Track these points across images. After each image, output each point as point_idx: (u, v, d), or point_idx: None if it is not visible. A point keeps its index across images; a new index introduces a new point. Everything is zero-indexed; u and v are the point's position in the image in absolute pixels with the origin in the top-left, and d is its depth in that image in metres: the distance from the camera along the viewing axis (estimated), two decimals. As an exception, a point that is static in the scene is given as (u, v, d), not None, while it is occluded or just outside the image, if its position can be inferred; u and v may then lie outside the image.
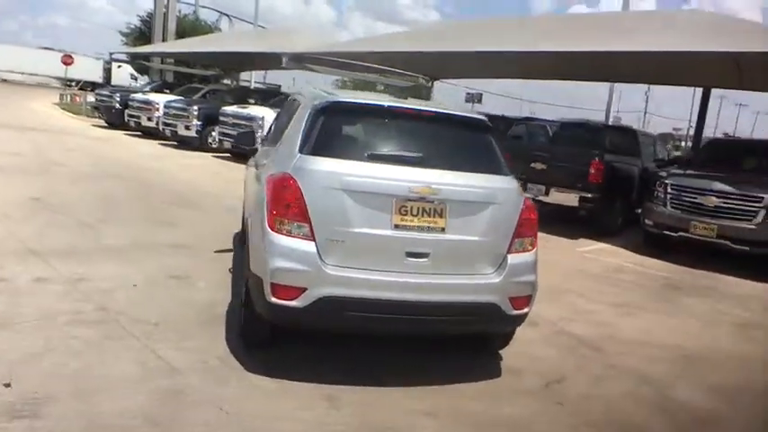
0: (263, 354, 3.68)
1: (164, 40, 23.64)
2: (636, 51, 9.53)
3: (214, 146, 15.62)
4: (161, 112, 16.67)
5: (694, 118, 15.45)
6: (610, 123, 18.80)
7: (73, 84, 40.16)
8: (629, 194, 10.00)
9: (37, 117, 20.52)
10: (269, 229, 3.32)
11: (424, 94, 17.56)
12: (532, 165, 9.61)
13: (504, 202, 3.55)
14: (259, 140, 6.45)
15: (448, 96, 39.29)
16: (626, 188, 9.93)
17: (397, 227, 3.34)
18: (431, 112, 3.77)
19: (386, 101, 3.75)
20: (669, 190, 8.42)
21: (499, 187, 3.57)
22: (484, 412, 3.37)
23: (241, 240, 6.16)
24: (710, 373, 4.37)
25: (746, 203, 7.72)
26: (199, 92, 18.65)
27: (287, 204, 3.30)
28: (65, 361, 3.37)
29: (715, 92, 13.55)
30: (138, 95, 17.95)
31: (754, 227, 7.65)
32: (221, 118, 14.47)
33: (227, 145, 14.48)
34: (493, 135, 3.86)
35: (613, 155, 9.77)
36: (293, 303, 3.25)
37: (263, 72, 36.90)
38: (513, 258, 3.55)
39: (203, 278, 5.10)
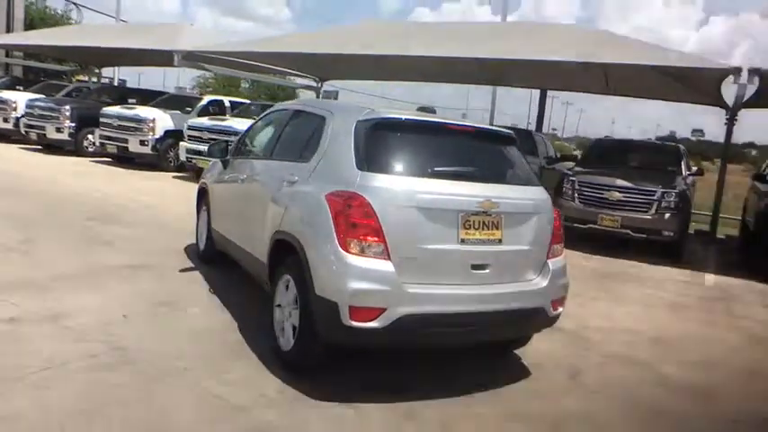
0: (313, 379, 3.56)
1: (8, 31, 20.88)
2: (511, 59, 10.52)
3: (91, 150, 14.25)
4: (20, 113, 14.82)
5: (532, 116, 17.24)
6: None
7: None
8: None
9: None
10: (341, 251, 3.24)
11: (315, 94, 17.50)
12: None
13: (543, 211, 3.80)
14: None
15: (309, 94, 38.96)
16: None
17: (463, 241, 3.43)
18: (473, 127, 3.90)
19: (427, 116, 3.81)
20: (577, 186, 9.31)
21: (540, 198, 3.81)
22: (550, 410, 3.59)
23: (204, 257, 5.81)
24: (680, 352, 4.99)
25: (643, 197, 8.80)
26: (61, 90, 16.83)
27: (360, 224, 3.24)
28: (124, 414, 3.02)
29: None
30: (-15, 93, 15.71)
31: (649, 217, 8.74)
32: (103, 119, 13.21)
33: (110, 149, 13.30)
34: (518, 147, 4.08)
35: None
36: (372, 325, 3.21)
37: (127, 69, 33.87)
38: (552, 264, 3.81)
39: (190, 303, 4.76)
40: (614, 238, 8.97)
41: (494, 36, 12.19)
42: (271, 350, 3.86)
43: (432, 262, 3.36)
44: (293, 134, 4.48)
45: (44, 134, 14.12)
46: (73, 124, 14.04)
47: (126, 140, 13.06)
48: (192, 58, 13.39)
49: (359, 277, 3.21)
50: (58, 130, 13.97)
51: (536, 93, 16.53)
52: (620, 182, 9.03)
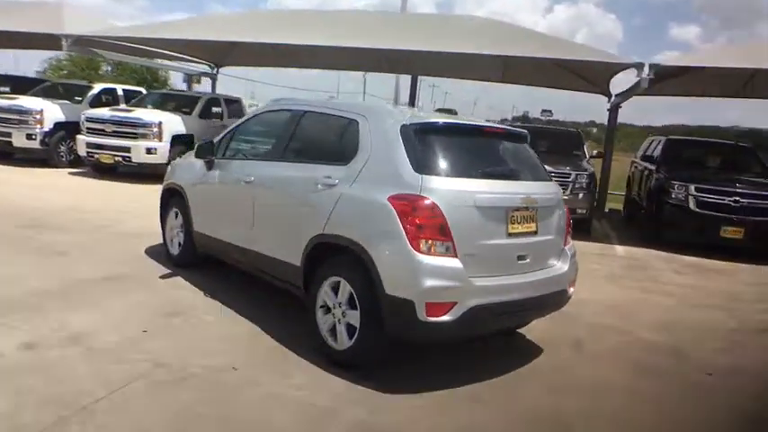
0: (372, 376, 3.67)
1: None
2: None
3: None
4: None
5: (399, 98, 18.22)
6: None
7: None
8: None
9: None
10: (413, 251, 3.40)
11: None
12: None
13: (561, 203, 4.22)
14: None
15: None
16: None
17: (509, 235, 3.74)
18: (503, 128, 4.20)
19: (465, 120, 4.04)
20: None
21: (558, 192, 4.24)
22: (577, 379, 4.04)
23: (180, 261, 5.57)
24: (638, 316, 5.73)
25: (561, 179, 9.64)
26: None
27: (430, 225, 3.42)
28: (224, 428, 2.99)
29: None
30: None
31: (566, 197, 9.66)
32: (-26, 112, 11.72)
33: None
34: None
35: None
36: (445, 318, 3.43)
37: None
38: (568, 250, 4.25)
39: (198, 311, 4.62)
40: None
41: (395, 27, 12.60)
42: (315, 351, 3.92)
43: (488, 256, 3.63)
44: (311, 136, 4.49)
45: None
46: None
47: (9, 134, 11.72)
48: (83, 44, 12.27)
49: (433, 275, 3.40)
50: None
51: (404, 76, 17.07)
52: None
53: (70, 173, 11.78)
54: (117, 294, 4.80)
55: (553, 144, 11.62)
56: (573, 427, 3.42)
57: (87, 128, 11.30)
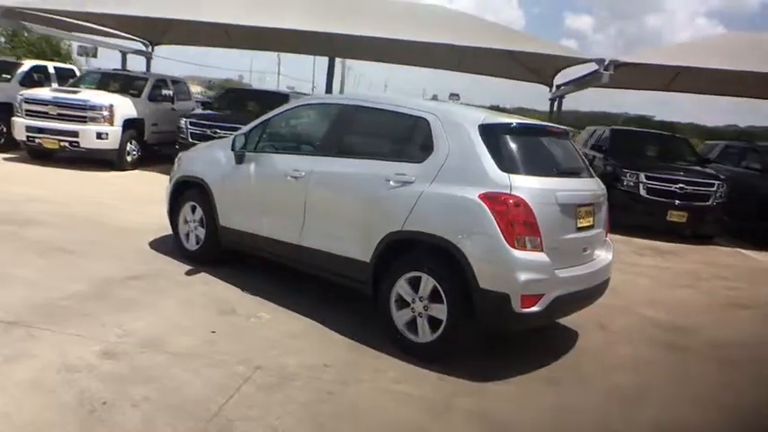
0: (457, 365, 3.85)
1: None
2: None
3: None
4: None
5: (316, 79, 18.60)
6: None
7: None
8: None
9: None
10: (509, 248, 3.60)
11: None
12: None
13: (606, 197, 4.56)
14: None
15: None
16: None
17: (578, 229, 4.04)
18: (559, 128, 4.44)
19: (532, 121, 4.24)
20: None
21: (603, 187, 4.56)
22: (619, 357, 4.45)
23: (200, 257, 5.43)
24: (632, 297, 6.27)
25: None
26: None
27: (523, 222, 3.64)
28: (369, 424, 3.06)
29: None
30: None
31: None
32: None
33: None
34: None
35: None
36: (535, 309, 3.68)
37: None
38: (609, 239, 4.63)
39: (248, 309, 4.56)
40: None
41: (341, 10, 12.55)
42: (390, 344, 4.03)
43: (564, 249, 3.91)
44: (371, 132, 4.54)
45: None
46: None
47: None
48: (12, 16, 11.21)
49: (526, 269, 3.63)
50: None
51: (321, 58, 17.17)
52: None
53: (5, 158, 10.83)
54: (155, 294, 4.63)
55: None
56: (645, 399, 3.79)
57: (26, 110, 10.37)
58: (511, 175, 3.74)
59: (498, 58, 12.93)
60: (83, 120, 10.30)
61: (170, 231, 6.27)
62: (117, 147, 10.67)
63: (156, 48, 15.88)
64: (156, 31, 14.87)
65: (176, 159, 5.98)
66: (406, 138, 4.33)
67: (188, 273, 5.25)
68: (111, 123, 10.53)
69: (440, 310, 3.83)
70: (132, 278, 4.94)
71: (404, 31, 10.95)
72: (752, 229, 10.73)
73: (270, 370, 3.55)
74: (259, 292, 4.87)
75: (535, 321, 3.79)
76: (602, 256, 4.45)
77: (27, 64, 12.59)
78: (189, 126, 10.91)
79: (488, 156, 3.82)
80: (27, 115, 10.39)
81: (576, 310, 4.29)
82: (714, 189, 9.87)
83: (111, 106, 10.53)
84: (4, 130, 11.00)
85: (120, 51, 15.14)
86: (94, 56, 26.70)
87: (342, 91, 16.29)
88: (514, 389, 3.72)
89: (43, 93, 10.64)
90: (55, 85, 12.10)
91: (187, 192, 5.62)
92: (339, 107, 4.71)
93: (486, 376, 3.79)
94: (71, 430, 2.76)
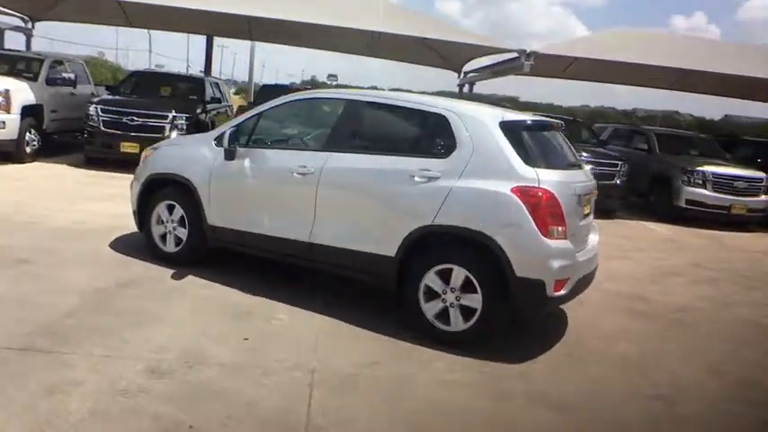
0: (494, 351, 4.03)
1: None
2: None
3: None
4: None
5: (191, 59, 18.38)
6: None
7: None
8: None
9: None
10: (543, 237, 3.85)
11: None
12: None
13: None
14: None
15: None
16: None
17: (584, 216, 4.39)
18: (559, 122, 4.72)
19: (543, 117, 4.47)
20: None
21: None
22: (612, 326, 4.91)
23: (180, 259, 5.18)
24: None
25: (158, 120, 10.09)
26: None
27: (552, 213, 3.90)
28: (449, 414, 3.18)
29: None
30: None
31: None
32: None
33: None
34: None
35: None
36: (563, 292, 3.99)
37: None
38: (594, 223, 5.05)
39: (261, 308, 4.45)
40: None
41: None
42: (421, 336, 4.14)
43: (577, 236, 4.23)
44: (386, 128, 4.56)
45: None
46: None
47: None
48: None
49: (558, 256, 3.91)
50: None
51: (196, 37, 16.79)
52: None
53: None
54: (157, 302, 4.36)
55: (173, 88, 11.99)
56: (651, 363, 4.25)
57: None
58: (538, 170, 3.97)
59: (412, 44, 13.21)
60: (-26, 108, 9.12)
61: (123, 231, 5.95)
62: (16, 137, 9.57)
63: (36, 24, 14.26)
64: (39, 6, 13.35)
65: (142, 156, 5.58)
66: (425, 134, 4.41)
67: (174, 276, 4.96)
68: (8, 111, 9.43)
69: (473, 300, 4.00)
70: (121, 286, 4.60)
71: (317, 15, 10.85)
72: (643, 204, 12.06)
73: (326, 373, 3.53)
74: (259, 291, 4.74)
75: (560, 304, 4.09)
76: (594, 239, 4.86)
77: None
78: (100, 113, 10.04)
79: (512, 151, 4.02)
80: None
81: (583, 291, 4.66)
82: (618, 168, 10.92)
83: (8, 91, 9.41)
84: None
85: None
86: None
87: (219, 71, 15.66)
88: (546, 367, 4.00)
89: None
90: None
91: (162, 190, 5.28)
92: (348, 102, 4.66)
93: (520, 358, 4.04)
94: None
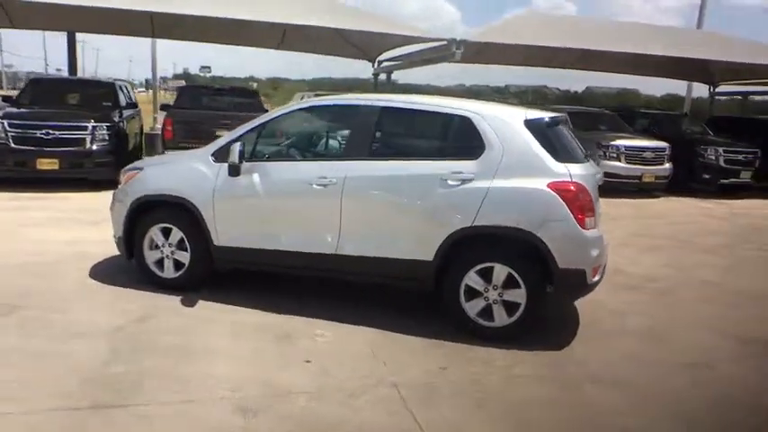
0: (533, 343, 4.22)
1: None
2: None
3: None
4: None
5: (49, 58, 17.39)
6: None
7: None
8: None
9: None
10: (581, 229, 4.08)
11: None
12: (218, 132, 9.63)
13: None
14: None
15: None
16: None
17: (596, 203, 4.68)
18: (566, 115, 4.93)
19: (548, 112, 4.65)
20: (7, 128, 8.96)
21: None
22: (622, 303, 5.30)
23: (185, 282, 4.90)
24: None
25: (77, 132, 9.21)
26: None
27: (586, 206, 4.13)
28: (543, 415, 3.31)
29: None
30: None
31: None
32: None
33: None
34: None
35: None
36: (598, 277, 4.27)
37: None
38: None
39: (301, 326, 4.33)
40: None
41: None
42: (468, 334, 4.25)
43: (598, 224, 4.51)
44: (408, 133, 4.52)
45: None
46: None
47: None
48: None
49: (594, 245, 4.17)
50: None
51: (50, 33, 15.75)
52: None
53: None
54: (192, 335, 4.11)
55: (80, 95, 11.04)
56: (668, 335, 4.66)
57: None
58: (567, 164, 4.18)
59: (325, 36, 13.07)
60: None
61: (93, 260, 5.63)
62: None
63: None
64: None
65: (123, 178, 5.14)
66: (451, 137, 4.47)
67: (185, 303, 4.68)
68: None
69: (516, 295, 4.17)
70: (138, 322, 4.26)
71: (221, 8, 10.41)
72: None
73: (408, 385, 3.54)
74: (282, 309, 4.61)
75: (594, 288, 4.35)
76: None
77: None
78: (8, 128, 8.97)
79: (541, 148, 4.20)
80: None
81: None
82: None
83: None
84: None
85: None
86: None
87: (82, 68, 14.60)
88: (585, 350, 4.26)
89: None
90: None
91: (153, 213, 4.91)
92: (363, 108, 4.56)
93: (555, 345, 4.27)
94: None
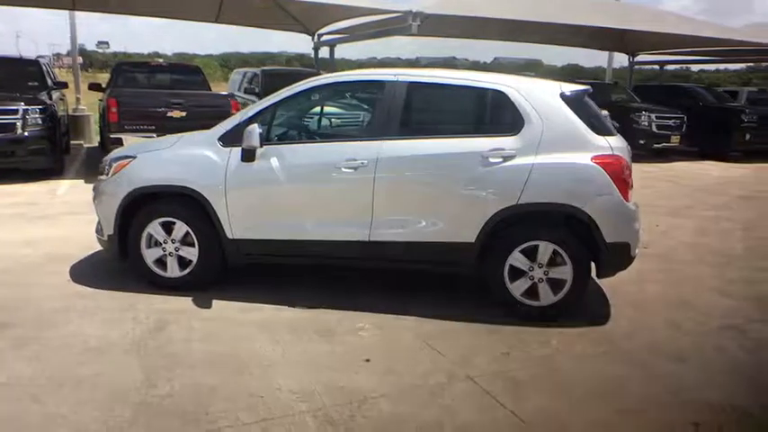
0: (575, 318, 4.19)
1: None
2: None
3: None
4: None
5: None
6: None
7: None
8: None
9: None
10: (624, 202, 4.03)
11: None
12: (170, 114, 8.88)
13: None
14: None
15: None
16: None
17: None
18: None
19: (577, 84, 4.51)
20: None
21: None
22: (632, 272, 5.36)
23: (192, 284, 4.45)
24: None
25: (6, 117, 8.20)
26: None
27: (628, 179, 4.07)
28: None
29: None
30: None
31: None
32: None
33: None
34: None
35: None
36: (637, 251, 4.24)
37: None
38: None
39: (335, 322, 4.03)
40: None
41: None
42: (513, 314, 4.14)
43: None
44: (438, 109, 4.25)
45: None
46: None
47: None
48: None
49: (636, 218, 4.14)
50: None
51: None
52: None
53: None
54: (221, 341, 3.71)
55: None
56: (683, 300, 4.74)
57: None
58: (605, 138, 4.09)
59: (263, 8, 12.40)
60: None
61: (70, 261, 5.06)
62: None
63: None
64: None
65: (113, 167, 4.54)
66: (486, 112, 4.25)
67: (199, 305, 4.24)
68: None
69: (563, 272, 4.07)
70: (157, 330, 3.82)
71: None
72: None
73: (483, 377, 3.35)
74: (312, 303, 4.29)
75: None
76: None
77: None
78: None
79: (580, 122, 4.08)
80: None
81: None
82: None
83: None
84: None
85: None
86: None
87: None
88: (628, 322, 4.25)
89: None
90: None
91: (152, 206, 4.39)
92: (389, 84, 4.22)
93: (599, 320, 4.24)
94: None
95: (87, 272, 4.81)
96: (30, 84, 9.41)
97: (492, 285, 4.16)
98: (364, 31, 12.34)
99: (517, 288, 4.12)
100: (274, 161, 4.20)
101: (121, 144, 8.05)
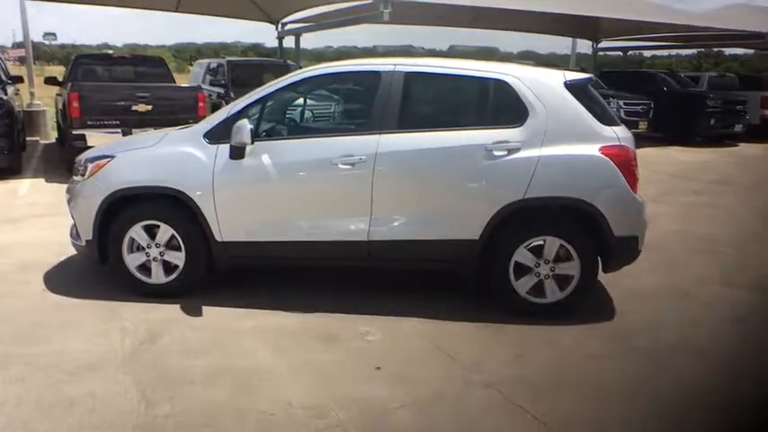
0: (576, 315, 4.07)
1: None
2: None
3: None
4: None
5: None
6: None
7: None
8: None
9: None
10: (633, 194, 3.93)
11: None
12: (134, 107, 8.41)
13: None
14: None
15: None
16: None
17: None
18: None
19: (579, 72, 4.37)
20: None
21: None
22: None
23: (178, 288, 4.19)
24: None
25: None
26: None
27: (635, 170, 3.96)
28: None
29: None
30: None
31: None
32: None
33: None
34: None
35: None
36: (643, 242, 4.15)
37: None
38: None
39: (339, 327, 3.82)
40: None
41: None
42: (521, 313, 4.01)
43: None
44: (442, 101, 4.06)
45: None
46: None
47: None
48: None
49: (643, 210, 4.04)
50: None
51: None
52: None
53: None
54: (220, 352, 3.47)
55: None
56: (684, 290, 4.71)
57: None
58: (611, 128, 3.97)
59: None
60: None
61: (42, 268, 4.72)
62: None
63: None
64: None
65: (82, 167, 4.21)
66: (488, 103, 4.07)
67: (188, 312, 3.98)
68: None
69: (570, 268, 3.95)
70: (149, 342, 3.55)
71: None
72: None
73: (499, 382, 3.20)
74: (300, 307, 4.07)
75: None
76: None
77: None
78: None
79: (585, 112, 3.95)
80: None
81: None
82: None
83: None
84: None
85: None
86: None
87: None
88: (635, 317, 4.16)
89: None
90: None
91: (133, 209, 4.09)
92: (385, 74, 4.00)
93: (605, 316, 4.13)
94: None
95: (63, 280, 4.48)
96: (-19, 79, 8.81)
97: (495, 283, 4.02)
98: (331, 19, 12.02)
99: (522, 285, 3.99)
100: (266, 158, 3.94)
101: (84, 140, 7.64)
